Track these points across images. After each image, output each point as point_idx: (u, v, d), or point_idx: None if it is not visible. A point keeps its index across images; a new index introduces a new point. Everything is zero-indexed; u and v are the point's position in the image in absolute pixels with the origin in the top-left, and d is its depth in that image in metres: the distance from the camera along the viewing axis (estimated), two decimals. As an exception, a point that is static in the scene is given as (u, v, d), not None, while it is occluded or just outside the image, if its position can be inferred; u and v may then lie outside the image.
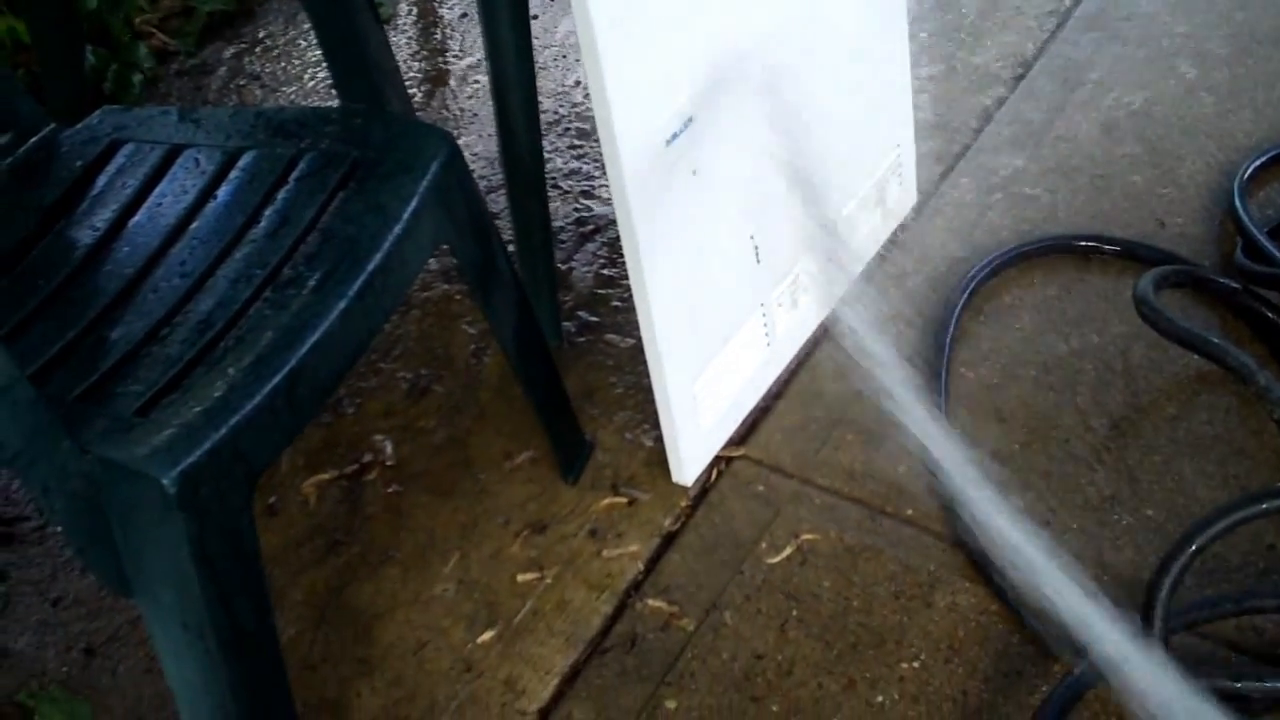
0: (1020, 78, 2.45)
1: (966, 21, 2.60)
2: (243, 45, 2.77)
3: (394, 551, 1.78)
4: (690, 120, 1.58)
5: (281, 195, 1.44)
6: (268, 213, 1.42)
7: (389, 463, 1.90)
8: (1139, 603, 1.46)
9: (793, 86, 1.74)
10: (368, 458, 1.91)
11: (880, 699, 1.53)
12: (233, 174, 1.49)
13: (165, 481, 1.11)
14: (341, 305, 1.27)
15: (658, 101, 1.54)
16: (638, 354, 1.95)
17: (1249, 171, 2.15)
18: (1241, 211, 2.06)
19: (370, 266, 1.31)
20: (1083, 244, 2.08)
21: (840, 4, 1.86)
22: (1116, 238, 2.09)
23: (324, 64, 2.68)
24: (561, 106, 2.55)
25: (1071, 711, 1.47)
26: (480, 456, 1.89)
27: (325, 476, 1.89)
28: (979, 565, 1.65)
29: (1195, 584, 1.59)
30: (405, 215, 1.37)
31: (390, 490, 1.86)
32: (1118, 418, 1.82)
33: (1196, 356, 1.82)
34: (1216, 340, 1.71)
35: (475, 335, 2.08)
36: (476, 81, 2.64)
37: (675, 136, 1.56)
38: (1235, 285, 1.93)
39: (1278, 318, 1.88)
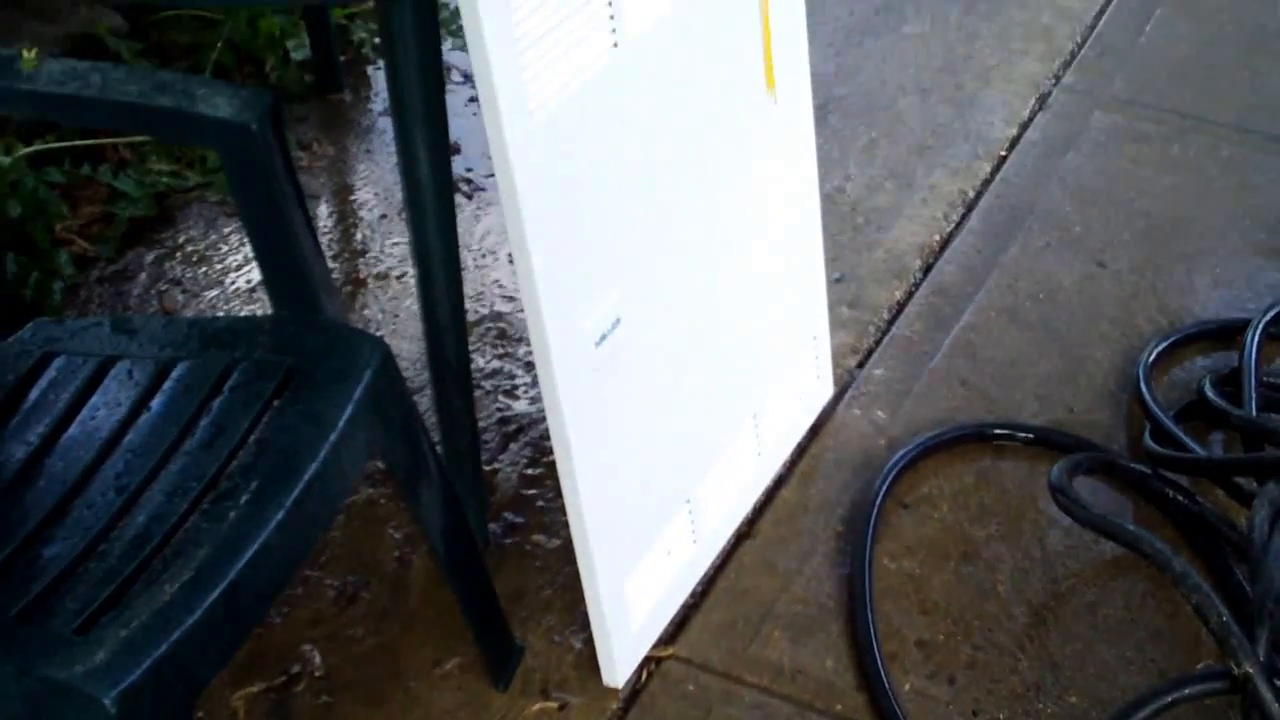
0: (929, 268, 2.52)
1: (875, 214, 2.68)
2: (163, 250, 2.79)
3: (325, 763, 1.76)
4: (618, 321, 1.61)
5: (216, 405, 1.45)
6: (202, 424, 1.43)
7: (318, 673, 1.88)
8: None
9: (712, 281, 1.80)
10: (296, 668, 1.89)
11: None
12: (166, 385, 1.50)
13: (106, 701, 1.10)
14: (279, 517, 1.28)
15: (587, 303, 1.58)
16: (564, 554, 1.96)
17: (1152, 356, 2.23)
18: (1148, 396, 2.13)
19: (306, 476, 1.32)
20: (996, 432, 2.13)
21: (762, 204, 1.92)
22: (1029, 425, 2.14)
23: (245, 269, 2.71)
24: (482, 306, 2.59)
25: None
26: (409, 664, 1.88)
27: (253, 689, 1.87)
28: (912, 757, 1.66)
29: (1124, 770, 1.61)
30: (340, 423, 1.38)
31: (320, 701, 1.84)
32: (1038, 605, 1.85)
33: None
34: (1131, 528, 1.76)
35: (400, 540, 2.08)
36: (399, 282, 2.67)
37: (604, 338, 1.60)
38: (1145, 470, 1.99)
39: (1187, 501, 1.93)
